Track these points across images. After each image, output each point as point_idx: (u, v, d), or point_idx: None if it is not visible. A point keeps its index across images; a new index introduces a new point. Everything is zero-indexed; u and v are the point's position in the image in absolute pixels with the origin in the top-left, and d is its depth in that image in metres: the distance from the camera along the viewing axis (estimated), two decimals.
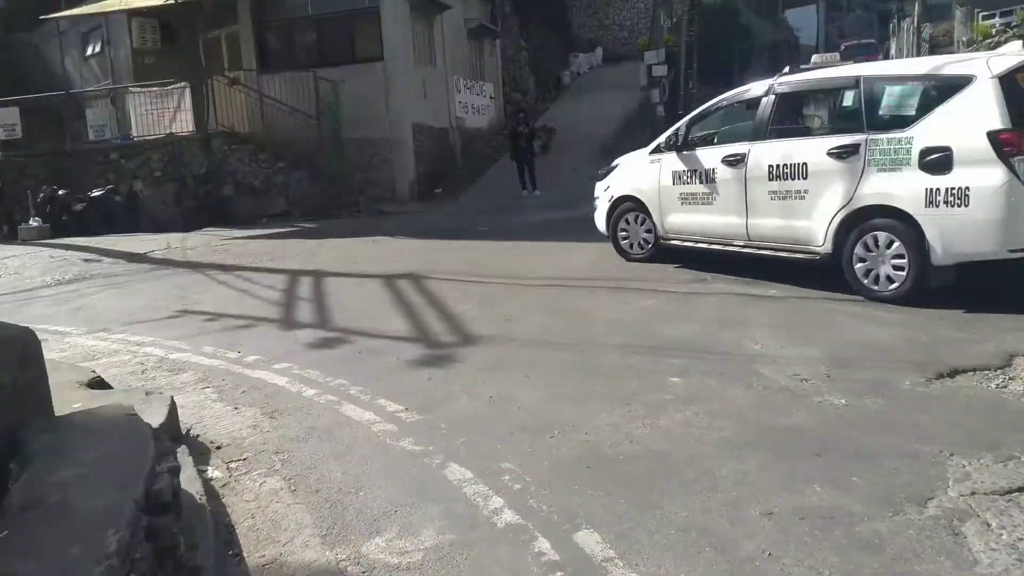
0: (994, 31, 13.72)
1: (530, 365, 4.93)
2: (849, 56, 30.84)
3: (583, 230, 10.44)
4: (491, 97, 19.75)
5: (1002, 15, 15.90)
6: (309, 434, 3.95)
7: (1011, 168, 5.04)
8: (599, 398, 4.21)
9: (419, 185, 15.87)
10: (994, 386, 3.95)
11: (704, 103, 7.82)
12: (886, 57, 30.78)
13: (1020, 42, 5.73)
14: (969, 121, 5.24)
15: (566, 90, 24.26)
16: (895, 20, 32.58)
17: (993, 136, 5.09)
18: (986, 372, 4.12)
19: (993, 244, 5.21)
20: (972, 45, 13.90)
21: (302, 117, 14.76)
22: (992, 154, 5.10)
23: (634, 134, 18.76)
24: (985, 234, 5.22)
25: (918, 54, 19.23)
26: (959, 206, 5.24)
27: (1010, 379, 4.01)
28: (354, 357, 5.39)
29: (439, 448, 3.67)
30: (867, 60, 28.63)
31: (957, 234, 5.30)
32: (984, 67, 5.30)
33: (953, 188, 5.25)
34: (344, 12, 15.61)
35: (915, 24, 19.54)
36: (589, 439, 3.66)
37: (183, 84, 15.31)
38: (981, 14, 20.12)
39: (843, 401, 3.88)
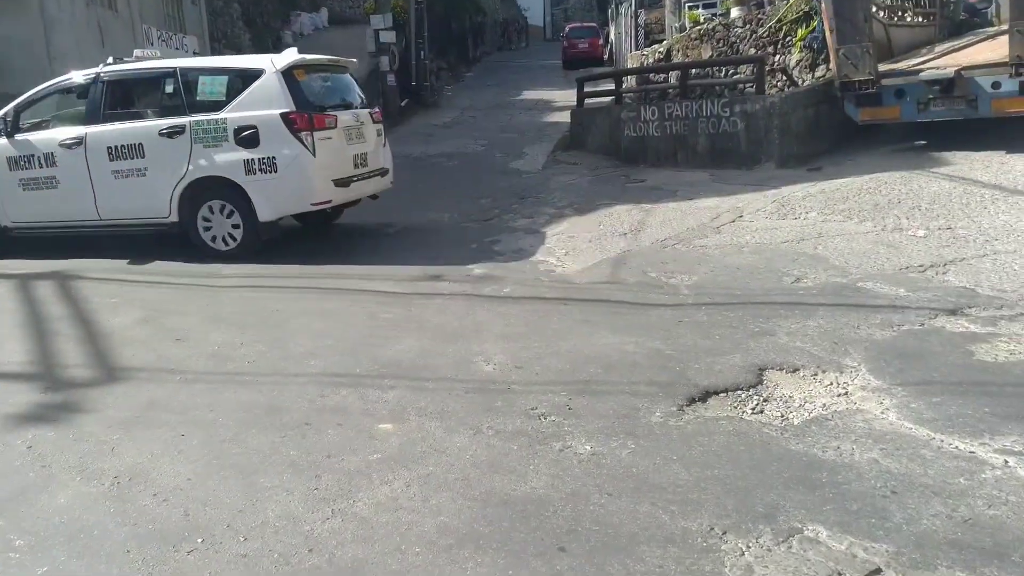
0: (703, 19, 14.39)
1: (191, 413, 3.58)
2: (574, 36, 32.41)
3: None
4: (195, 52, 17.09)
5: (705, 7, 16.88)
6: None
7: (301, 141, 6.47)
8: (279, 466, 3.03)
9: None
10: (750, 411, 3.43)
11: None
12: (606, 40, 32.48)
13: (295, 48, 7.67)
14: (266, 105, 6.49)
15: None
16: (613, 6, 34.49)
17: (284, 117, 6.43)
18: (738, 393, 3.61)
19: (299, 201, 6.76)
20: (684, 31, 14.47)
21: None
22: (286, 131, 6.44)
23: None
24: (292, 193, 6.64)
25: (635, 38, 20.07)
26: (271, 172, 6.51)
27: (764, 401, 3.53)
28: None
29: None
30: (589, 40, 29.93)
31: (273, 195, 6.58)
32: (271, 63, 6.65)
33: (264, 158, 6.50)
34: None
35: (632, 10, 20.38)
36: (248, 550, 2.47)
37: None
38: (687, 4, 21.55)
39: (588, 448, 3.10)
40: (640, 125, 10.93)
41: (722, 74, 12.69)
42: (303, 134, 6.45)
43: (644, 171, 10.47)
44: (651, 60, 16.48)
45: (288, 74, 6.56)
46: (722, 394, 3.61)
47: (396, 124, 18.03)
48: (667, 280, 5.59)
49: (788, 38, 12.45)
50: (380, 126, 7.77)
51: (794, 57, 11.96)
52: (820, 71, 11.32)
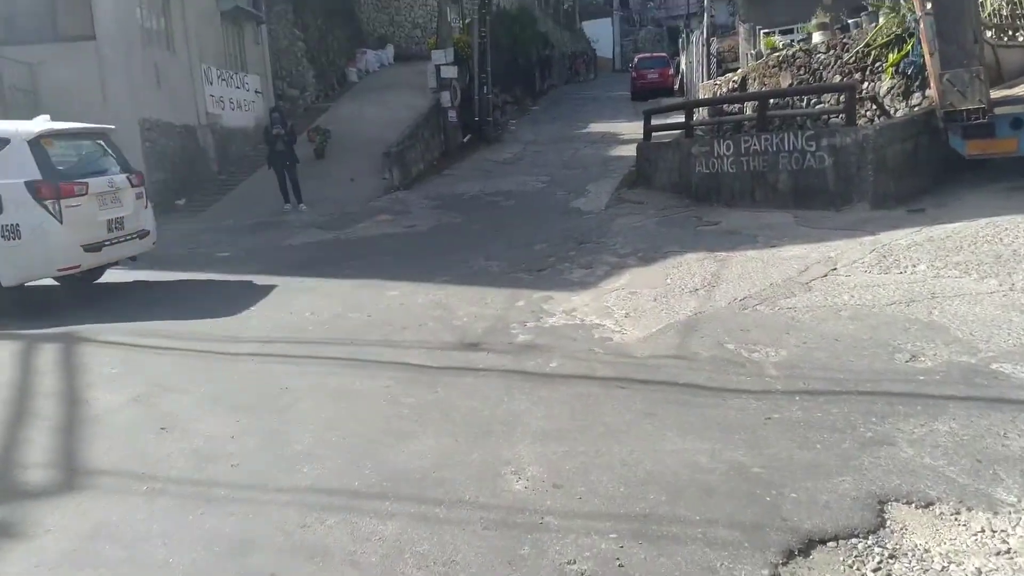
0: (781, 45, 13.34)
1: (139, 549, 2.84)
2: (644, 67, 31.54)
3: (355, 258, 8.44)
4: (257, 91, 17.07)
5: (782, 32, 15.78)
6: None
7: (47, 209, 6.56)
8: None
9: (157, 196, 12.94)
10: (870, 572, 2.46)
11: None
12: (677, 70, 31.53)
13: (47, 116, 7.64)
14: (13, 173, 6.53)
15: (352, 88, 21.96)
16: (683, 35, 33.62)
17: (29, 184, 6.51)
18: (853, 543, 2.63)
19: (45, 266, 6.83)
20: (761, 58, 13.46)
21: None
22: (30, 198, 6.51)
23: (424, 139, 16.99)
24: (36, 259, 6.68)
25: (708, 66, 19.11)
26: (15, 239, 6.53)
27: (891, 558, 2.54)
28: None
29: None
30: (659, 71, 29.03)
31: (17, 261, 6.59)
32: (17, 132, 6.72)
33: (7, 225, 6.51)
34: None
35: (704, 37, 19.45)
36: None
37: None
38: (763, 31, 20.44)
39: None
40: (713, 160, 9.96)
41: (804, 104, 11.60)
42: (48, 202, 6.56)
43: (718, 211, 9.47)
44: (724, 90, 15.47)
45: (35, 143, 6.68)
46: (831, 544, 2.64)
47: (456, 161, 17.54)
48: (749, 355, 4.61)
49: (878, 64, 11.29)
50: (141, 189, 7.83)
51: (885, 84, 10.78)
52: (916, 99, 10.14)
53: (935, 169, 8.79)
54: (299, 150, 16.24)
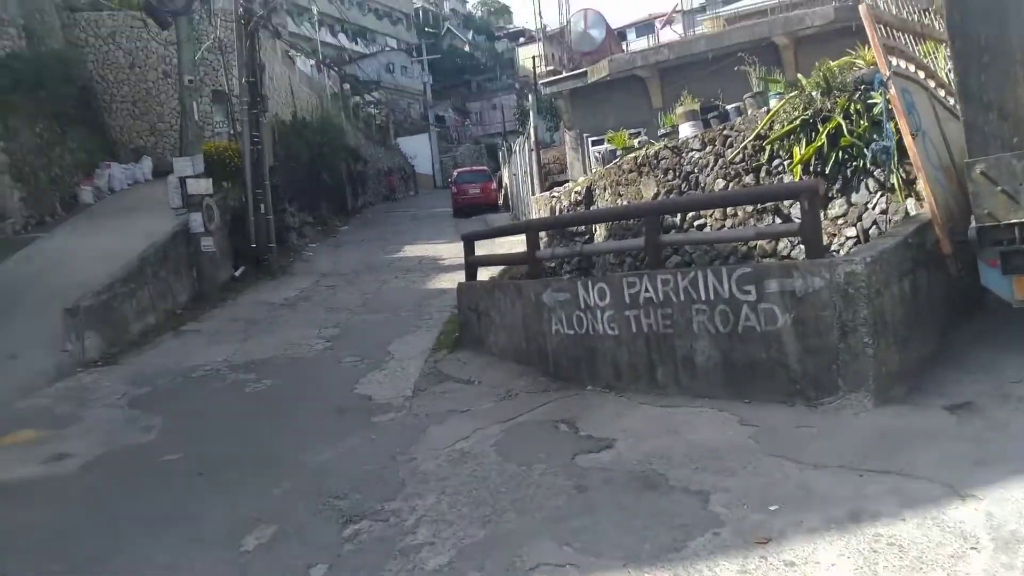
0: (637, 143, 10.15)
1: None
2: (463, 181, 28.53)
3: None
4: None
5: (627, 136, 12.72)
6: None
7: None
8: None
9: None
10: None
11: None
12: (500, 184, 28.82)
13: None
14: None
15: (83, 212, 16.60)
16: (503, 148, 31.41)
17: None
18: None
19: None
20: (610, 160, 10.17)
21: None
22: None
23: (160, 279, 12.03)
24: None
25: (540, 178, 15.99)
26: None
27: None
28: None
29: None
30: (481, 185, 26.09)
31: None
32: None
33: None
34: None
35: (530, 143, 16.46)
36: None
37: None
38: (591, 138, 17.87)
39: None
40: (580, 315, 6.06)
41: (720, 223, 8.11)
42: None
43: (599, 407, 5.49)
44: (566, 204, 12.03)
45: None
46: None
47: (214, 306, 12.69)
48: None
49: (776, 162, 8.19)
50: None
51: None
52: (855, 201, 6.98)
53: (939, 319, 5.40)
54: None
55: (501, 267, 8.60)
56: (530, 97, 20.34)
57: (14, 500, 5.11)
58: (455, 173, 30.09)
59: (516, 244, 9.21)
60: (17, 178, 15.43)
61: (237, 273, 15.22)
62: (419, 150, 51.91)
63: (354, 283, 14.55)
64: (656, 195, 9.43)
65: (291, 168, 23.24)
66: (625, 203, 9.16)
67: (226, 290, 13.98)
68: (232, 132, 18.92)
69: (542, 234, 8.78)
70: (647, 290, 5.57)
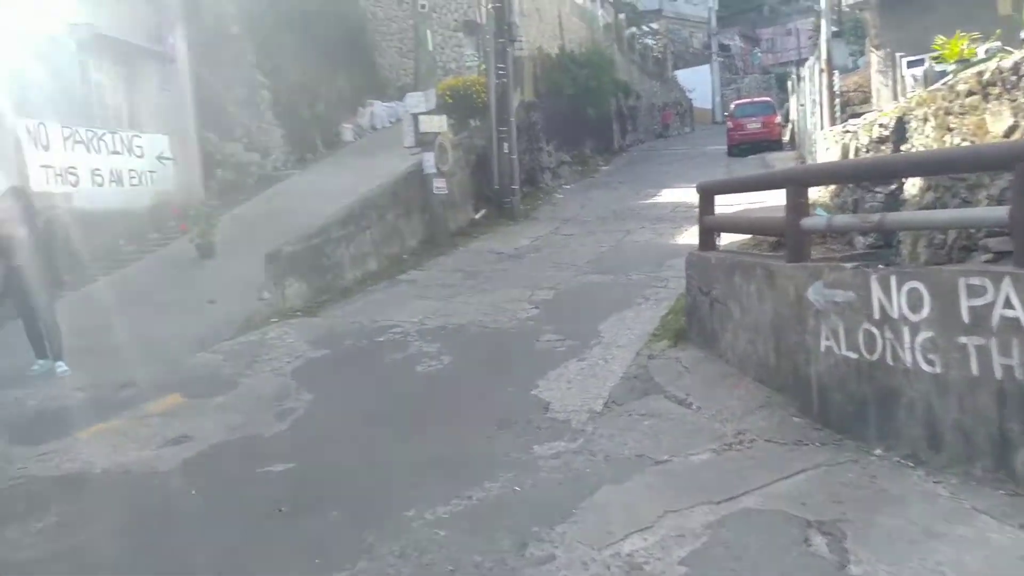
0: (983, 53, 6.94)
1: None
2: (742, 115, 25.03)
3: None
4: (161, 157, 12.00)
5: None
6: None
7: None
8: None
9: None
10: None
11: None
12: (786, 118, 24.98)
13: None
14: None
15: (341, 151, 16.75)
16: (792, 79, 27.12)
17: None
18: None
19: None
20: (943, 79, 7.06)
21: None
22: None
23: (385, 223, 11.28)
24: None
25: (831, 107, 12.67)
26: None
27: None
28: None
29: None
30: (763, 119, 22.64)
31: None
32: None
33: None
34: None
35: (820, 64, 13.15)
36: None
37: None
38: (905, 59, 13.69)
39: None
40: (872, 331, 3.64)
41: None
42: None
43: (893, 503, 3.14)
44: (864, 142, 8.99)
45: None
46: None
47: (441, 252, 11.75)
48: None
49: None
50: None
51: None
52: None
53: None
54: (176, 245, 10.90)
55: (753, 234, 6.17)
56: None
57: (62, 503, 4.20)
58: (732, 105, 26.64)
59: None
60: (280, 116, 15.88)
61: (477, 216, 14.28)
62: (699, 83, 47.93)
63: (594, 232, 12.79)
64: (1011, 130, 6.21)
65: (554, 104, 21.89)
66: (960, 142, 6.20)
67: (460, 235, 13.04)
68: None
69: (813, 191, 6.12)
70: (1009, 303, 3.02)
